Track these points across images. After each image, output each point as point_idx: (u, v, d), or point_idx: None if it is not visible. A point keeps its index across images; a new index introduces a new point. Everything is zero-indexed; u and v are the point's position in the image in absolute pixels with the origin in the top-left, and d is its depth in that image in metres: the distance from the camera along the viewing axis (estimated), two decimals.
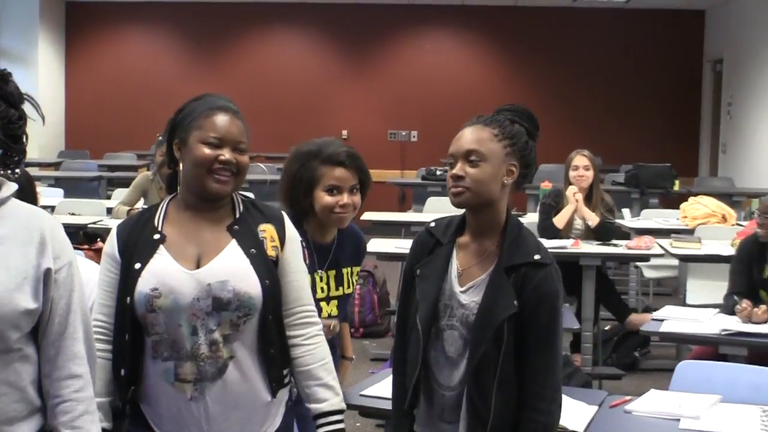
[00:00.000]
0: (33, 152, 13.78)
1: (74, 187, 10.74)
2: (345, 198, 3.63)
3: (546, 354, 2.83)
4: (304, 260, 3.07)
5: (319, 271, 3.69)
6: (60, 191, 9.97)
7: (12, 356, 2.48)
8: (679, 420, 3.62)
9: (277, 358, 2.93)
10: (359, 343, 7.96)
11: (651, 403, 3.82)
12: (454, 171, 2.93)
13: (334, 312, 3.72)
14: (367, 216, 9.12)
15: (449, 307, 2.92)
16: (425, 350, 2.95)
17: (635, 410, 3.74)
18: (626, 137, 14.42)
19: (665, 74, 14.83)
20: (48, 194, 9.12)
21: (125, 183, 9.57)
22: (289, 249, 2.99)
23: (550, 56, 14.85)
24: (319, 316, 3.24)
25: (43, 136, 14.66)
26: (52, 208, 7.95)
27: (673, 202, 10.53)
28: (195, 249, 2.89)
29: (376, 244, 7.16)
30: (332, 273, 3.72)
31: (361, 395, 3.76)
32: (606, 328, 7.75)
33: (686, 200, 9.03)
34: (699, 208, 8.65)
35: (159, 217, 2.95)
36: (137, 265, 2.85)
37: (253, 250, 2.89)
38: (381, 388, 3.78)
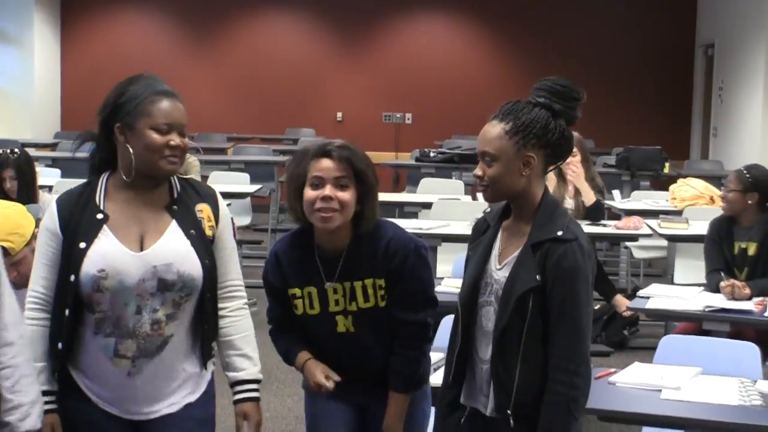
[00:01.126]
0: (27, 133, 13.85)
1: (71, 168, 10.78)
2: (327, 190, 3.21)
3: (567, 327, 2.90)
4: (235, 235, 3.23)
5: (328, 283, 3.32)
6: (57, 171, 10.06)
7: None
8: (660, 390, 3.74)
9: (209, 333, 3.09)
10: None
11: (634, 375, 3.93)
12: (475, 171, 3.05)
13: (351, 328, 3.34)
14: None
15: (489, 285, 3.05)
16: (468, 326, 3.08)
17: (619, 381, 3.86)
18: (618, 120, 14.50)
19: (657, 58, 14.90)
20: (45, 174, 9.20)
21: None
22: (222, 226, 3.13)
23: (543, 40, 14.90)
24: (336, 329, 3.34)
25: (38, 117, 14.73)
26: (50, 188, 8.04)
27: (663, 184, 10.61)
28: (137, 229, 3.00)
29: None
30: (347, 285, 3.32)
31: None
32: (596, 308, 7.86)
33: (676, 182, 9.13)
34: (687, 190, 8.75)
35: (99, 194, 3.03)
36: (82, 245, 2.94)
37: (192, 231, 3.02)
38: None
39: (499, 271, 3.03)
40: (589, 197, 7.34)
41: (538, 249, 2.94)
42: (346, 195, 3.23)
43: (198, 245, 3.02)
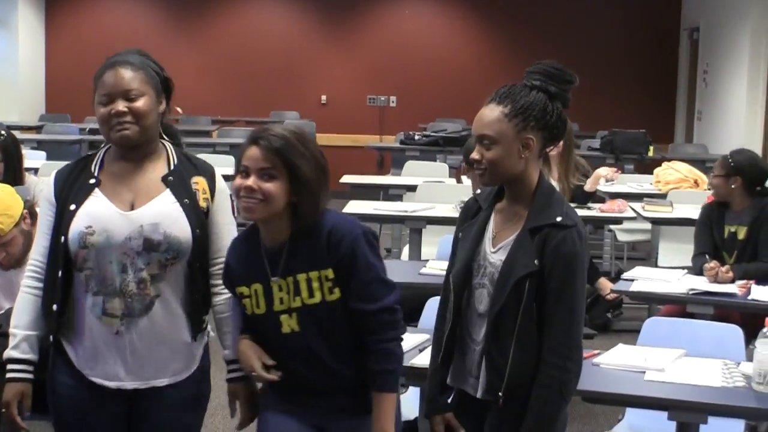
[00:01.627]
0: (13, 115, 13.79)
1: (56, 150, 10.79)
2: (249, 180, 2.96)
3: (562, 312, 2.92)
4: (232, 212, 3.22)
5: (273, 279, 3.05)
6: (42, 154, 10.04)
7: None
8: (644, 372, 3.75)
9: (200, 304, 3.13)
10: None
11: (618, 356, 3.94)
12: (472, 155, 3.03)
13: (297, 328, 3.05)
14: (347, 179, 9.30)
15: (482, 267, 3.05)
16: (460, 307, 3.09)
17: (603, 363, 3.86)
18: (603, 104, 14.50)
19: (642, 42, 14.91)
20: (31, 157, 9.17)
21: None
22: (218, 201, 3.17)
23: (527, 23, 14.90)
24: (281, 329, 3.05)
25: (24, 100, 14.67)
26: (35, 170, 8.02)
27: (647, 167, 10.63)
28: (130, 194, 3.06)
29: (354, 206, 7.34)
30: (290, 279, 3.04)
31: None
32: None
33: (660, 166, 9.16)
34: (672, 173, 8.78)
35: (95, 164, 3.11)
36: (72, 206, 3.02)
37: (186, 200, 3.07)
38: None
39: (494, 254, 3.03)
40: (592, 188, 7.26)
41: (536, 234, 2.95)
42: (272, 186, 2.96)
43: (190, 213, 3.06)
